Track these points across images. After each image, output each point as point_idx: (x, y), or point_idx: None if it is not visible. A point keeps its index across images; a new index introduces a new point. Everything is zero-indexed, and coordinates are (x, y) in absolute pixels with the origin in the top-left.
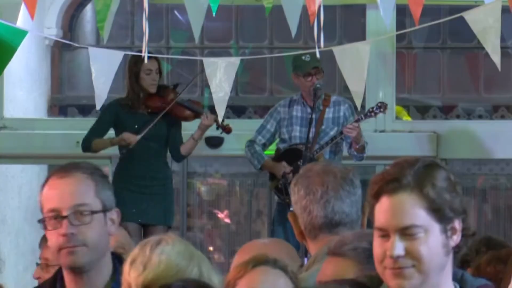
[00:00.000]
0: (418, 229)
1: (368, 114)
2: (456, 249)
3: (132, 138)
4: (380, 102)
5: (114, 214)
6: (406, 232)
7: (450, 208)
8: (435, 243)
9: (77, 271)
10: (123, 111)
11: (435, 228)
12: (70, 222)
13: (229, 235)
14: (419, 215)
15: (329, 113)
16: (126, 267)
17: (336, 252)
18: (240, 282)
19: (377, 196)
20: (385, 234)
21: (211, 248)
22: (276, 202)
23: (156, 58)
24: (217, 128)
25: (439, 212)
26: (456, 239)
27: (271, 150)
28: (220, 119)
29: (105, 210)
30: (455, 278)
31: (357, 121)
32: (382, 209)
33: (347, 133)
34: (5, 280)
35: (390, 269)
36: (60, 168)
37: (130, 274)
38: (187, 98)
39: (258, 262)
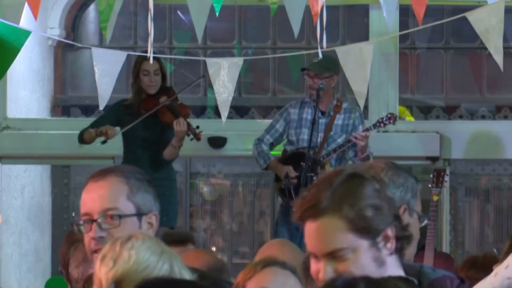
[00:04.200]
0: (345, 251)
1: (378, 124)
2: (399, 247)
3: (110, 131)
4: (390, 113)
5: (152, 218)
6: (333, 256)
7: (375, 222)
8: (365, 259)
9: None
10: (125, 112)
11: (363, 244)
12: (99, 226)
13: (232, 235)
14: (343, 238)
15: (339, 120)
16: (97, 263)
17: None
18: (250, 283)
19: (301, 221)
20: (316, 256)
21: (214, 249)
22: (280, 203)
23: (157, 59)
24: (188, 135)
25: (364, 230)
26: (390, 246)
27: (277, 151)
28: (223, 119)
29: (140, 214)
30: (412, 273)
31: (366, 130)
32: (308, 234)
33: (355, 141)
34: (8, 280)
35: None
36: (97, 171)
37: (101, 270)
38: (180, 102)
39: (267, 263)
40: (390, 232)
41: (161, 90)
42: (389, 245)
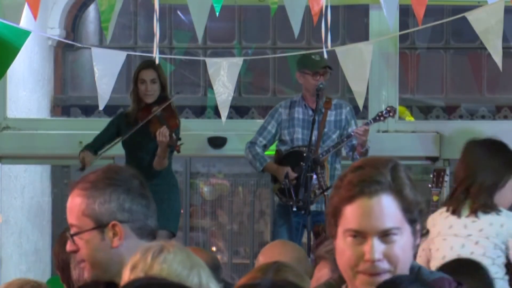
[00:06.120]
0: (396, 231)
1: (377, 118)
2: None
3: (87, 159)
4: (389, 107)
5: (115, 227)
6: (386, 234)
7: (419, 209)
8: (407, 245)
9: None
10: (124, 122)
11: (408, 230)
12: (72, 240)
13: (232, 235)
14: (398, 217)
15: (331, 116)
16: (126, 272)
17: (319, 256)
18: None
19: (352, 198)
20: (360, 237)
21: (214, 249)
22: (277, 204)
23: (154, 68)
24: (169, 146)
25: (411, 214)
26: (418, 240)
27: (271, 151)
28: (223, 119)
29: (99, 226)
30: (411, 273)
31: (367, 124)
32: (360, 211)
33: (358, 135)
34: (8, 280)
35: (366, 275)
36: (79, 179)
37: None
38: (173, 112)
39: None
40: (418, 226)
41: (158, 100)
42: (417, 239)
